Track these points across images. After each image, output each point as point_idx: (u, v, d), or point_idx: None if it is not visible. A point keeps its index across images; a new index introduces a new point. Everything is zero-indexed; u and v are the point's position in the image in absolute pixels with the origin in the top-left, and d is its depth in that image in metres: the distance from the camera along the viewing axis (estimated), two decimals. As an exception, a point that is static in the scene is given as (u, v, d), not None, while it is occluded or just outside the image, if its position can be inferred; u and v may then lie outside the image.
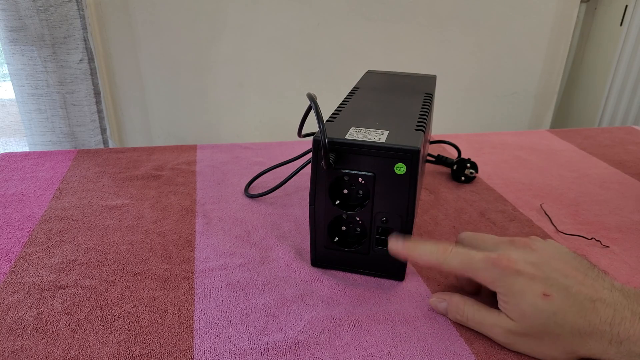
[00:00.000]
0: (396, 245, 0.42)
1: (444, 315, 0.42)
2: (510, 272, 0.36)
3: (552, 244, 0.40)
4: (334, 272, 0.47)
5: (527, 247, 0.39)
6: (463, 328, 0.41)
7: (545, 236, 0.54)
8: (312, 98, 0.42)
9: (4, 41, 0.97)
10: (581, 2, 1.49)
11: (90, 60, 1.06)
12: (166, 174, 0.66)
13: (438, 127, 1.00)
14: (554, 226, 0.56)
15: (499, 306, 0.38)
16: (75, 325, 0.40)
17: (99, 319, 0.40)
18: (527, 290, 0.36)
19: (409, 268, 0.48)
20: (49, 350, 0.37)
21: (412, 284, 0.46)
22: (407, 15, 1.36)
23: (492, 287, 0.38)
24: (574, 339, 0.35)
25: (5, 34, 0.96)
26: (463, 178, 0.66)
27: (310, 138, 0.63)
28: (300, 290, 0.45)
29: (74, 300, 0.42)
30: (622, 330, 0.33)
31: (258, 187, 0.63)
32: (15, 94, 1.03)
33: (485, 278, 0.38)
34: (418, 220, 0.57)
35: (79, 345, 0.38)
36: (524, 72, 1.53)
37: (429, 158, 0.71)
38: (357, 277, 0.47)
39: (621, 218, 0.58)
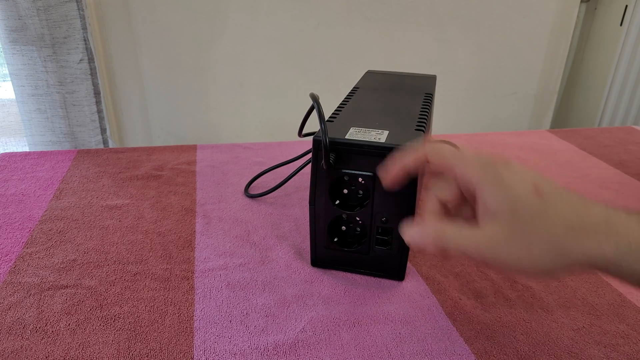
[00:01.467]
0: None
1: (423, 250, 0.36)
2: (499, 160, 0.34)
3: None
4: (334, 272, 0.47)
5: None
6: (463, 328, 0.41)
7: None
8: (315, 98, 0.42)
9: (4, 41, 0.97)
10: (581, 2, 1.49)
11: (90, 60, 1.06)
12: (166, 174, 0.66)
13: (438, 127, 1.00)
14: (554, 226, 0.56)
15: (483, 211, 0.34)
16: (75, 325, 0.40)
17: (99, 319, 0.40)
18: (518, 182, 0.33)
19: (409, 268, 0.48)
20: (49, 350, 0.37)
21: (412, 284, 0.46)
22: (407, 15, 1.36)
23: (476, 180, 0.34)
24: (567, 236, 0.32)
25: (5, 34, 0.96)
26: (463, 178, 0.66)
27: (310, 138, 0.63)
28: (300, 290, 0.45)
29: (74, 300, 0.42)
30: (620, 222, 0.31)
31: (258, 187, 0.63)
32: (15, 94, 1.03)
33: (472, 169, 0.34)
34: (418, 220, 0.57)
35: (79, 345, 0.38)
36: (524, 72, 1.53)
37: (429, 158, 0.71)
38: (357, 277, 0.47)
39: (621, 218, 0.58)
